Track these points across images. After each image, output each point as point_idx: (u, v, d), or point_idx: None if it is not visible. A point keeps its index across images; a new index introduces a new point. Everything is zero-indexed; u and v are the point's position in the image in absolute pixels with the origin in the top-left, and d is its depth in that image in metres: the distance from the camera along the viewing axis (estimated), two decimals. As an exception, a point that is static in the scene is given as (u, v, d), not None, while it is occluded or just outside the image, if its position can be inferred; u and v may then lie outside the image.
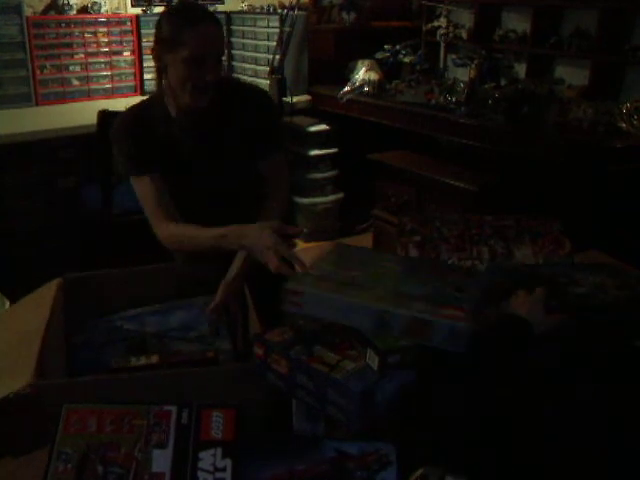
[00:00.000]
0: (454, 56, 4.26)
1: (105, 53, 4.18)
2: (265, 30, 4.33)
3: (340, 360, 1.14)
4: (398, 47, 4.31)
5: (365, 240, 4.01)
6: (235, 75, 4.55)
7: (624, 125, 3.06)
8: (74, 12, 4.06)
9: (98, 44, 4.14)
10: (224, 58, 1.77)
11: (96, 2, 4.11)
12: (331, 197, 4.25)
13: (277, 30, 4.08)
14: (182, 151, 1.75)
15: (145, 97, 1.88)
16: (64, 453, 1.05)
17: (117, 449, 1.06)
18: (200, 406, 1.12)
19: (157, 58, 1.68)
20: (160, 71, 1.70)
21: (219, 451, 1.06)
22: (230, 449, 1.06)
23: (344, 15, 4.47)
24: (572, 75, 3.70)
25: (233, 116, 1.75)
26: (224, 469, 1.04)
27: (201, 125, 1.74)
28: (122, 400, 1.12)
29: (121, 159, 1.76)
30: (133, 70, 4.27)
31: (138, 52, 4.25)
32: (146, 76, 4.27)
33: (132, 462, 1.04)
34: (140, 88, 4.29)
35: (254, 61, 4.47)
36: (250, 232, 1.47)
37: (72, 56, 4.08)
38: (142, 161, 1.72)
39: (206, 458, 1.05)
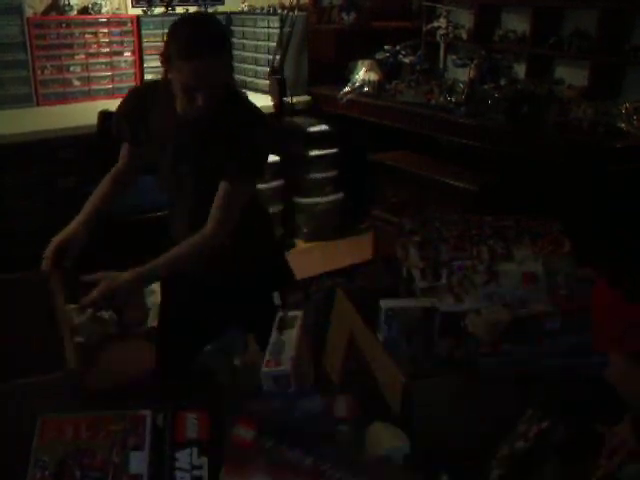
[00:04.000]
0: (454, 56, 4.27)
1: (106, 54, 4.18)
2: (265, 31, 4.33)
3: None
4: (398, 47, 4.31)
5: (365, 240, 4.01)
6: (235, 76, 4.55)
7: (624, 125, 3.06)
8: (75, 13, 4.06)
9: (99, 44, 4.14)
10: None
11: (97, 3, 4.11)
12: (331, 197, 4.25)
13: (277, 31, 4.08)
14: (170, 145, 1.75)
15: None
16: (41, 460, 1.05)
17: (94, 454, 1.06)
18: (175, 408, 1.13)
19: (165, 58, 1.63)
20: (167, 69, 1.65)
21: (195, 450, 1.08)
22: (206, 448, 1.08)
23: (344, 15, 4.48)
24: (572, 75, 3.71)
25: (223, 130, 1.70)
26: (200, 467, 1.06)
27: (196, 130, 1.71)
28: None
29: (115, 116, 1.83)
30: (134, 70, 4.27)
31: (139, 52, 4.25)
32: (147, 76, 4.26)
33: (109, 466, 1.05)
34: (140, 88, 4.29)
35: (254, 61, 4.48)
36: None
37: (73, 56, 4.08)
38: (126, 125, 1.78)
39: (183, 457, 1.07)
